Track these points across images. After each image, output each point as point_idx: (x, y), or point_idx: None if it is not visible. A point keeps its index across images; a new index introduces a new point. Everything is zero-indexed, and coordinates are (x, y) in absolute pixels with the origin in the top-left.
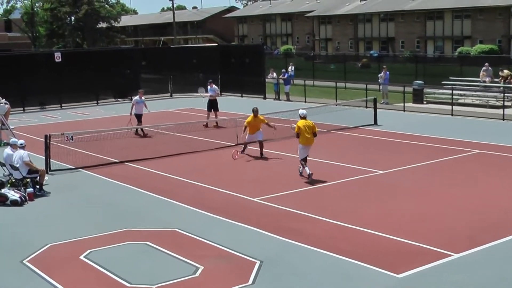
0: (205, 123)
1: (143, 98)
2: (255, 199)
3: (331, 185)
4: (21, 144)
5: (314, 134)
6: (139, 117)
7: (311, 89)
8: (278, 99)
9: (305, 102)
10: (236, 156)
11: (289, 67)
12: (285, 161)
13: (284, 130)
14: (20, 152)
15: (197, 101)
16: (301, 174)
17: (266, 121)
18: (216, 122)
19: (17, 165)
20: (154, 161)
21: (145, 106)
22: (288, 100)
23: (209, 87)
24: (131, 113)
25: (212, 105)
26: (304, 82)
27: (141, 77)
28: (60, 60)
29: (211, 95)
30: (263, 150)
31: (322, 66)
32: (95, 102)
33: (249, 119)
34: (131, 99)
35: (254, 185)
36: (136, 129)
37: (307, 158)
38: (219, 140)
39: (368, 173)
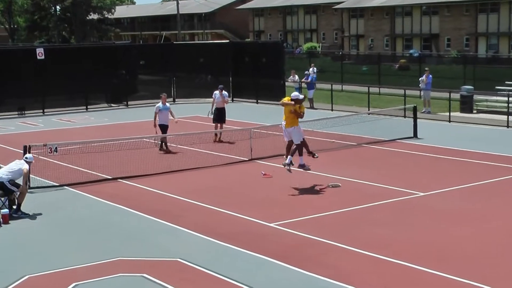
0: (215, 138)
1: (167, 104)
2: (271, 225)
3: (363, 209)
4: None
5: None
6: (164, 128)
7: (339, 95)
8: None
9: (332, 110)
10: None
11: (311, 69)
12: (308, 179)
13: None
14: (24, 164)
15: (204, 108)
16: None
17: (301, 109)
18: (219, 137)
19: (14, 169)
20: (153, 178)
21: (171, 114)
22: (312, 107)
23: (217, 92)
24: (155, 124)
25: (221, 115)
26: (330, 87)
27: (139, 79)
28: (42, 57)
29: (218, 103)
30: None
31: (352, 68)
32: (84, 107)
33: (285, 100)
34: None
35: (271, 208)
36: (161, 144)
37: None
38: (230, 154)
39: (406, 195)
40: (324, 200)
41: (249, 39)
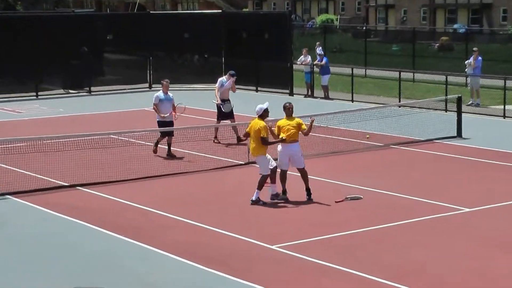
0: (215, 137)
1: (170, 94)
2: (273, 247)
3: (389, 228)
4: None
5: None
6: (167, 126)
7: (361, 82)
8: (312, 95)
9: (352, 101)
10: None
11: (317, 48)
12: (320, 189)
13: (319, 144)
14: None
15: (189, 97)
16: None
17: (304, 126)
18: (238, 137)
19: None
20: (123, 185)
21: (173, 108)
22: (326, 97)
23: (224, 78)
24: (161, 116)
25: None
26: (351, 71)
27: (105, 59)
28: None
29: (223, 91)
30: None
31: (379, 47)
32: (34, 94)
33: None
34: (90, 90)
35: (273, 226)
36: (156, 144)
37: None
38: (222, 157)
39: (447, 211)
40: (340, 217)
41: (247, 9)
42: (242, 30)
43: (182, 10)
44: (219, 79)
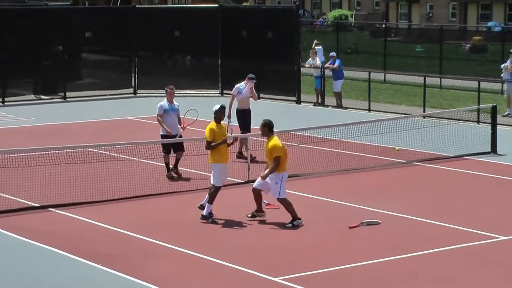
0: (239, 152)
1: (176, 103)
2: (276, 279)
3: (412, 258)
4: None
5: None
6: (175, 143)
7: (380, 88)
8: (323, 103)
9: (369, 110)
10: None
11: (317, 48)
12: (331, 213)
13: (330, 161)
14: None
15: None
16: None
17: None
18: (246, 152)
19: None
20: (103, 207)
21: (179, 120)
22: (339, 105)
23: (242, 85)
24: (168, 132)
25: (247, 119)
26: (368, 76)
27: (83, 59)
28: None
29: (242, 100)
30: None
31: (400, 48)
32: (0, 100)
33: (279, 141)
34: (65, 96)
35: (276, 255)
36: (175, 167)
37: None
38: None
39: (480, 239)
40: (354, 245)
41: (248, 3)
42: (241, 27)
43: (172, 4)
44: (236, 86)
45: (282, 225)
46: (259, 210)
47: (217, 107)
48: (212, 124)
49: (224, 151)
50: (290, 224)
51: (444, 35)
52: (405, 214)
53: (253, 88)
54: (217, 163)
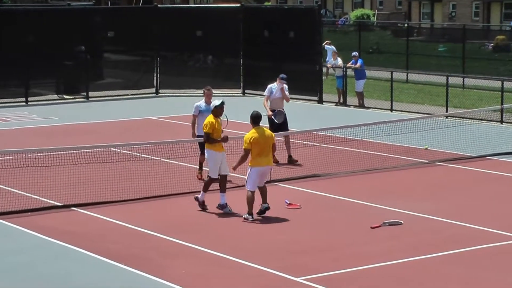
0: (289, 155)
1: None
2: (298, 279)
3: (435, 259)
4: None
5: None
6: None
7: (402, 88)
8: (345, 103)
9: (392, 110)
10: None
11: (326, 46)
12: (353, 213)
13: (352, 161)
14: None
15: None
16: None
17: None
18: (290, 156)
19: None
20: (125, 206)
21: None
22: (361, 105)
23: (273, 85)
24: (194, 134)
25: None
26: (390, 75)
27: (105, 59)
28: None
29: (273, 101)
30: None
31: (423, 48)
32: (23, 100)
33: (252, 134)
34: (87, 96)
35: (298, 255)
36: (200, 167)
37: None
38: (238, 173)
39: (506, 240)
40: (376, 245)
41: (269, 3)
42: (263, 27)
43: (194, 4)
44: (268, 86)
45: (304, 225)
46: (251, 213)
47: (217, 102)
48: (212, 117)
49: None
50: (242, 217)
51: (467, 34)
52: (427, 214)
53: (284, 88)
54: (210, 150)
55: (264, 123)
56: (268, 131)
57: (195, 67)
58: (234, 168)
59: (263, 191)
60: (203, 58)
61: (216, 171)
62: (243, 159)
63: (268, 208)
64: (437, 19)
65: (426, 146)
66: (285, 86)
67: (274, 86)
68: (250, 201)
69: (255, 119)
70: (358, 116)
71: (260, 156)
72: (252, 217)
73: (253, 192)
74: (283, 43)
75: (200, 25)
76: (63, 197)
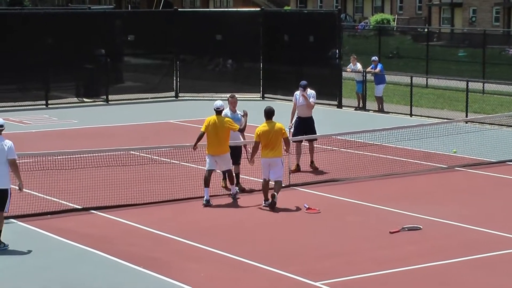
0: (295, 168)
1: (238, 112)
2: (317, 284)
3: (455, 264)
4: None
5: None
6: (233, 153)
7: (422, 93)
8: (364, 108)
9: (411, 115)
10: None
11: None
12: (372, 218)
13: (372, 165)
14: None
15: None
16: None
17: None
18: (312, 162)
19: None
20: (145, 209)
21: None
22: (381, 110)
23: (297, 93)
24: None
25: (305, 127)
26: (410, 80)
27: (125, 63)
28: None
29: (299, 107)
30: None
31: (443, 53)
32: (43, 103)
33: (261, 127)
34: (107, 99)
35: (317, 259)
36: (225, 176)
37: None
38: (257, 177)
39: None
40: (395, 250)
41: (289, 7)
42: (283, 31)
43: (214, 8)
44: (295, 93)
45: (323, 230)
46: (266, 200)
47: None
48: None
49: (213, 143)
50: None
51: (487, 39)
52: (447, 219)
53: (307, 95)
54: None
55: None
56: (278, 126)
57: (214, 71)
58: (250, 160)
59: (275, 183)
60: (223, 62)
61: (207, 168)
62: (253, 150)
63: (272, 203)
64: (457, 24)
65: (454, 150)
66: (311, 92)
67: (297, 93)
68: (262, 188)
69: (266, 113)
70: (378, 120)
71: (266, 148)
72: (265, 203)
73: (264, 181)
74: (302, 48)
75: (220, 29)
76: (82, 200)
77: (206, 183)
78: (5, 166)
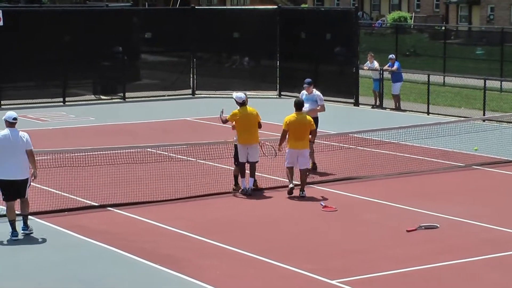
0: (313, 162)
1: (315, 92)
2: (333, 282)
3: (472, 263)
4: (14, 119)
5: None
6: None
7: (439, 91)
8: (381, 106)
9: (428, 113)
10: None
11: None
12: (389, 216)
13: (389, 164)
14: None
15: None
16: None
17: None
18: (313, 163)
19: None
20: (161, 207)
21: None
22: (397, 108)
23: (304, 93)
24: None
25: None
26: (427, 78)
27: (142, 60)
28: (0, 23)
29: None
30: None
31: (460, 51)
32: (61, 100)
33: (290, 117)
34: (124, 96)
35: (333, 257)
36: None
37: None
38: (273, 175)
39: None
40: (412, 249)
41: (306, 5)
42: (300, 29)
43: (231, 6)
44: (302, 92)
45: (339, 228)
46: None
47: (238, 95)
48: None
49: (243, 131)
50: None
51: (505, 37)
52: (464, 218)
53: (311, 95)
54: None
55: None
56: (307, 118)
57: (231, 68)
58: (278, 147)
59: (301, 174)
60: (240, 60)
61: (240, 159)
62: (281, 138)
63: (302, 193)
64: (475, 22)
65: (476, 148)
66: (317, 94)
67: (303, 92)
68: (288, 173)
69: (296, 104)
70: (395, 119)
71: (295, 139)
72: (292, 184)
73: (289, 167)
74: (319, 45)
75: (237, 26)
76: (99, 197)
77: (242, 175)
78: (25, 156)
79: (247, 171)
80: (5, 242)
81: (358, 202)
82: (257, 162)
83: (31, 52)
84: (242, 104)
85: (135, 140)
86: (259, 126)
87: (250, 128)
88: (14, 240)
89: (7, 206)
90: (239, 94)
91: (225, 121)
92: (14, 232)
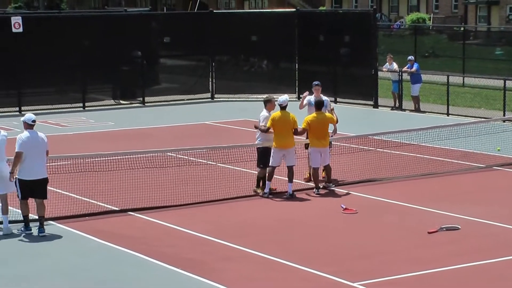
0: (308, 177)
1: (323, 97)
2: (355, 284)
3: (495, 264)
4: (33, 121)
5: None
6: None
7: (459, 92)
8: (400, 107)
9: (448, 114)
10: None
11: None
12: (410, 218)
13: (409, 165)
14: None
15: (257, 108)
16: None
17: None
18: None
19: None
20: (182, 211)
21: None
22: (417, 109)
23: (312, 97)
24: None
25: None
26: (446, 79)
27: (161, 64)
28: (20, 29)
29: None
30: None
31: (480, 51)
32: (80, 105)
33: (311, 117)
34: (143, 101)
35: (354, 259)
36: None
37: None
38: (294, 179)
39: None
40: (434, 250)
41: (324, 8)
42: (318, 31)
43: (249, 9)
44: (308, 98)
45: (360, 230)
46: (317, 187)
47: (282, 97)
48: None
49: (280, 135)
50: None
51: None
52: (485, 219)
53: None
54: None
55: None
56: (328, 116)
57: (250, 71)
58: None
59: (326, 169)
60: (258, 63)
61: (271, 163)
62: (299, 134)
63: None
64: (494, 22)
65: (498, 148)
66: (326, 99)
67: (310, 98)
68: (313, 175)
69: (316, 104)
70: (414, 120)
71: (316, 138)
72: (317, 191)
73: (315, 168)
74: (338, 47)
75: (255, 30)
76: (120, 201)
77: (270, 178)
78: (45, 156)
79: (280, 177)
80: (27, 247)
81: (379, 204)
82: (294, 165)
83: (51, 58)
84: (284, 108)
85: (155, 144)
86: (295, 132)
87: (286, 132)
88: (30, 235)
89: (22, 202)
90: (283, 98)
91: (266, 130)
92: (27, 227)
